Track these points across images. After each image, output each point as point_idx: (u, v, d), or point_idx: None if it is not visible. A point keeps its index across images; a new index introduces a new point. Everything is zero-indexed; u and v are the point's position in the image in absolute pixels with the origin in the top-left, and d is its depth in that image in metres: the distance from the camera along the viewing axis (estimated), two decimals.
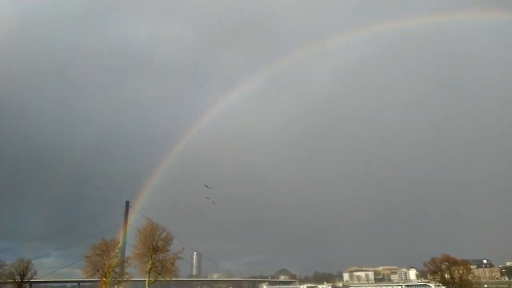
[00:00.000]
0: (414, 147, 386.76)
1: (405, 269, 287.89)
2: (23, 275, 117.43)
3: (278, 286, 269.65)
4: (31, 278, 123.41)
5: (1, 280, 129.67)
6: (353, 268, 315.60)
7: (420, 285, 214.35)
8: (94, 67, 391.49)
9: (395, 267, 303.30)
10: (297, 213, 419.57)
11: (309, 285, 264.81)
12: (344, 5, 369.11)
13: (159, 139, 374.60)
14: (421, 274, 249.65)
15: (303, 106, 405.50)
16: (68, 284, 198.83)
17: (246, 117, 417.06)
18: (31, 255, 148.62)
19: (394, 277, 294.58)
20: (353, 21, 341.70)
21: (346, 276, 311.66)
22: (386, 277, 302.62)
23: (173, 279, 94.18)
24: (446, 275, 78.18)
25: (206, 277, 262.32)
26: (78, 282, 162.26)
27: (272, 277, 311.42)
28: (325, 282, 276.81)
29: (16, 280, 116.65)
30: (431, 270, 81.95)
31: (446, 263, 78.35)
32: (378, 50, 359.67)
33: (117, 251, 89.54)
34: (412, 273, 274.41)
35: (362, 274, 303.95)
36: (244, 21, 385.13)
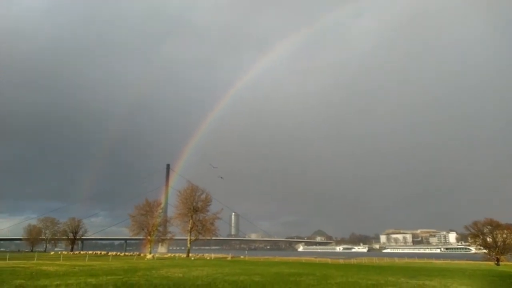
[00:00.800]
0: (457, 107, 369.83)
1: (444, 232, 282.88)
2: (75, 232, 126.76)
3: (314, 246, 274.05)
4: (82, 236, 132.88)
5: (56, 237, 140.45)
6: (391, 231, 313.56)
7: (460, 248, 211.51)
8: (132, 32, 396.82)
9: (434, 230, 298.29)
10: (334, 176, 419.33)
11: (345, 246, 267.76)
12: None
13: (197, 102, 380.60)
14: (461, 238, 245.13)
15: (341, 69, 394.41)
16: (116, 242, 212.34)
17: (283, 79, 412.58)
18: (82, 214, 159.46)
19: (433, 240, 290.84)
20: None
21: (383, 238, 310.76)
22: (424, 240, 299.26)
23: (213, 238, 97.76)
24: (488, 239, 75.92)
25: (244, 237, 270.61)
26: (125, 239, 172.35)
27: (308, 238, 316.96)
28: (361, 244, 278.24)
29: (70, 237, 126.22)
30: (472, 233, 79.53)
31: (489, 227, 75.85)
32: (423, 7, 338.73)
33: (160, 211, 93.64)
34: (452, 236, 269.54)
35: (399, 236, 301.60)
36: None
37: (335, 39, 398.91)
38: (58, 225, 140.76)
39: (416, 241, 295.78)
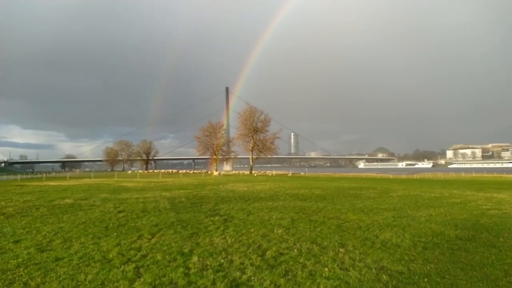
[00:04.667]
0: None
1: None
2: (148, 153, 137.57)
3: (375, 163, 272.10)
4: (154, 156, 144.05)
5: (131, 158, 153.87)
6: (458, 146, 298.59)
7: None
8: None
9: (508, 144, 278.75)
10: (397, 92, 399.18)
11: (408, 162, 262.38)
12: None
13: (251, 28, 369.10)
14: None
15: None
16: (185, 161, 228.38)
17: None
18: (152, 137, 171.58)
19: (506, 154, 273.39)
20: None
21: (449, 153, 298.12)
22: (496, 155, 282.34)
23: (273, 156, 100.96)
24: None
25: (304, 155, 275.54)
26: (193, 159, 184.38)
27: (369, 155, 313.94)
28: (425, 160, 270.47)
29: (143, 158, 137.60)
30: None
31: None
32: None
33: (223, 132, 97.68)
34: None
35: (467, 151, 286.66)
36: None
37: None
38: (132, 147, 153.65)
39: (486, 156, 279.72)
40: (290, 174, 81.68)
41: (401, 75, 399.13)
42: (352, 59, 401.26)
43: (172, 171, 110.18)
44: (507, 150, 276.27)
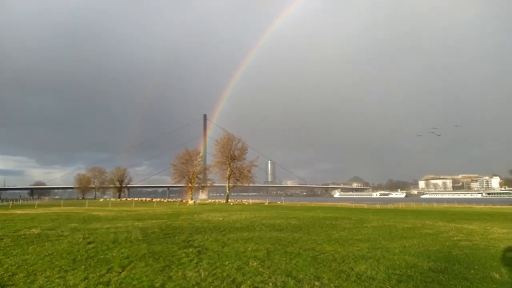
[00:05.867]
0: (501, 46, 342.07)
1: (487, 177, 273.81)
2: (121, 181, 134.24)
3: (350, 192, 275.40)
4: (128, 184, 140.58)
5: (104, 185, 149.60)
6: (430, 176, 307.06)
7: (503, 192, 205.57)
8: None
9: (476, 175, 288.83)
10: (371, 122, 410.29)
11: (382, 192, 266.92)
12: None
13: (231, 54, 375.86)
14: (505, 182, 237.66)
15: (379, 11, 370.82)
16: (159, 189, 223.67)
17: (318, 24, 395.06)
18: (126, 164, 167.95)
19: (475, 185, 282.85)
20: None
21: (421, 184, 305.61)
22: (465, 185, 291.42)
23: (250, 184, 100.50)
24: None
25: (281, 184, 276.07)
26: (168, 187, 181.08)
27: (344, 184, 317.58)
28: (398, 190, 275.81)
29: (116, 185, 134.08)
30: None
31: None
32: None
33: (199, 159, 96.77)
34: (495, 181, 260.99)
35: (439, 181, 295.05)
36: None
37: None
38: (105, 174, 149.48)
39: (457, 187, 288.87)
40: (266, 203, 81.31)
41: (376, 106, 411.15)
42: (329, 87, 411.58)
43: (146, 200, 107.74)
44: (476, 181, 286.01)
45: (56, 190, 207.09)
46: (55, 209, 44.62)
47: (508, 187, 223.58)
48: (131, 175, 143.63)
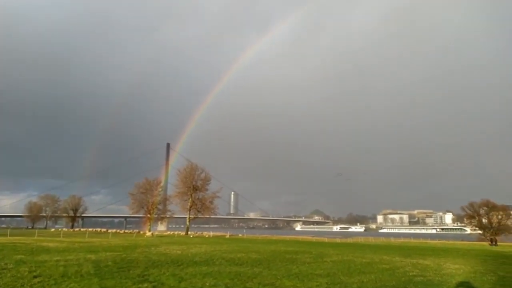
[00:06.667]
0: (454, 88, 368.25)
1: (441, 213, 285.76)
2: (75, 210, 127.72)
3: (311, 225, 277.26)
4: (82, 213, 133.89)
5: (56, 214, 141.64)
6: (388, 211, 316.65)
7: (456, 228, 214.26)
8: (132, 10, 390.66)
9: (431, 211, 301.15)
10: (333, 156, 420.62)
11: (342, 225, 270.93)
12: None
13: (197, 83, 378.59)
14: (457, 219, 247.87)
15: (339, 49, 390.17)
16: (116, 219, 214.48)
17: (281, 60, 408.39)
18: (82, 192, 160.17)
19: (429, 220, 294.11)
20: None
21: (380, 218, 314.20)
22: (421, 220, 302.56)
23: (212, 216, 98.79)
24: (483, 220, 76.91)
25: (243, 216, 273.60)
26: (125, 217, 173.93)
27: (306, 217, 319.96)
28: (358, 224, 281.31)
29: (70, 215, 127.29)
30: (468, 214, 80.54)
31: (485, 208, 76.68)
32: None
33: (160, 189, 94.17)
34: (448, 217, 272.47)
35: (396, 216, 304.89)
36: None
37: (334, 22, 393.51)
38: (59, 203, 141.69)
39: (413, 222, 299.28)
40: (228, 236, 79.91)
41: (337, 140, 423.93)
42: (293, 118, 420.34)
43: (101, 230, 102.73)
44: (431, 216, 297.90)
45: (3, 219, 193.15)
46: (1, 239, 41.46)
47: (460, 223, 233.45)
48: (87, 203, 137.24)
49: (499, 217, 75.42)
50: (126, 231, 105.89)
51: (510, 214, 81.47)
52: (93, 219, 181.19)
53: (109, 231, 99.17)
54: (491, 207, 76.37)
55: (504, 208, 79.20)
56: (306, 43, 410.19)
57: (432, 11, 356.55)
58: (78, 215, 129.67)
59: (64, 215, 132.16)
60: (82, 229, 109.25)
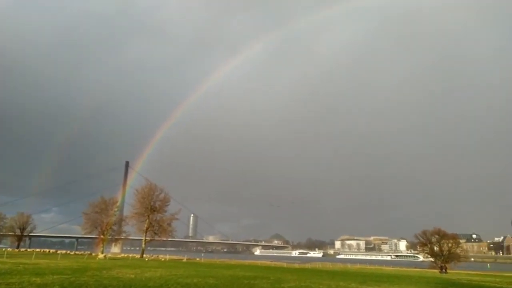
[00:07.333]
0: (411, 120, 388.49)
1: (395, 240, 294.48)
2: (23, 228, 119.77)
3: (270, 250, 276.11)
4: (30, 232, 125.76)
5: (1, 233, 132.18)
6: (345, 237, 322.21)
7: (409, 256, 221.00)
8: (99, 30, 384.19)
9: (387, 237, 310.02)
10: (293, 182, 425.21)
11: (301, 251, 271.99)
12: None
13: (161, 103, 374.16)
14: (411, 246, 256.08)
15: (305, 77, 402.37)
16: (67, 240, 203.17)
17: (248, 85, 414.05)
18: (32, 210, 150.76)
19: (385, 247, 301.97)
20: None
21: (337, 244, 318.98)
22: (377, 247, 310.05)
23: (169, 239, 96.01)
24: (435, 248, 79.96)
25: (202, 239, 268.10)
26: (77, 238, 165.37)
27: (265, 242, 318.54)
28: (316, 249, 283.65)
29: (16, 233, 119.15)
30: (421, 242, 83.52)
31: (437, 236, 79.93)
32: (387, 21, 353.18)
33: (116, 209, 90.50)
34: (402, 244, 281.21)
35: (353, 243, 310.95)
36: None
37: (303, 49, 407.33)
38: (5, 220, 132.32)
39: (369, 248, 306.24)
40: (185, 260, 77.89)
41: (297, 166, 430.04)
42: (254, 142, 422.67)
43: (49, 251, 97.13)
44: (386, 243, 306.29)
45: None
46: None
47: (414, 250, 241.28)
48: (36, 222, 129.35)
49: (449, 245, 78.70)
50: (77, 252, 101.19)
51: (459, 243, 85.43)
52: (42, 239, 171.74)
53: (59, 252, 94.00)
54: (442, 236, 79.69)
55: (454, 237, 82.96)
56: (272, 67, 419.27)
57: (395, 40, 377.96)
58: (25, 234, 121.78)
59: (9, 233, 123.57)
60: (29, 250, 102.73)
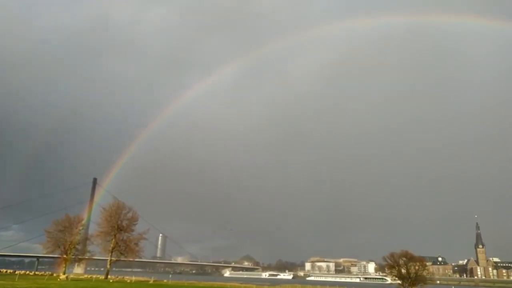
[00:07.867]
0: (380, 144, 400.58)
1: (364, 262, 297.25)
2: None
3: (241, 272, 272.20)
4: None
5: None
6: (315, 259, 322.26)
7: (377, 278, 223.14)
8: (70, 46, 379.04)
9: (356, 259, 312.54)
10: (264, 203, 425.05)
11: (271, 272, 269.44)
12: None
13: (131, 121, 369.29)
14: (379, 268, 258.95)
15: (276, 101, 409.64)
16: (26, 259, 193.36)
17: (219, 108, 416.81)
18: None
19: (354, 269, 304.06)
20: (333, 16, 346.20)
21: (308, 265, 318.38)
22: (346, 269, 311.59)
23: (136, 259, 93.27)
24: (402, 270, 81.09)
25: (170, 260, 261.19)
26: (37, 257, 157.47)
27: (236, 263, 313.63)
28: (287, 271, 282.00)
29: None
30: (389, 264, 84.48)
31: (404, 259, 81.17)
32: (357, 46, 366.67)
33: (81, 228, 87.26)
34: (371, 266, 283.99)
35: (323, 264, 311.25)
36: (227, 9, 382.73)
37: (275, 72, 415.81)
38: None
39: (339, 270, 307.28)
40: (151, 281, 75.67)
41: (269, 187, 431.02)
42: (224, 162, 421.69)
43: (6, 271, 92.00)
44: (355, 265, 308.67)
45: None
46: None
47: (382, 272, 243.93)
48: None
49: (416, 267, 79.98)
50: (37, 273, 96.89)
51: (426, 265, 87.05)
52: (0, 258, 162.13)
53: (17, 272, 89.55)
54: (409, 258, 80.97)
55: (421, 259, 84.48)
56: (245, 89, 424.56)
57: (366, 61, 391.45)
58: None
59: None
60: None
